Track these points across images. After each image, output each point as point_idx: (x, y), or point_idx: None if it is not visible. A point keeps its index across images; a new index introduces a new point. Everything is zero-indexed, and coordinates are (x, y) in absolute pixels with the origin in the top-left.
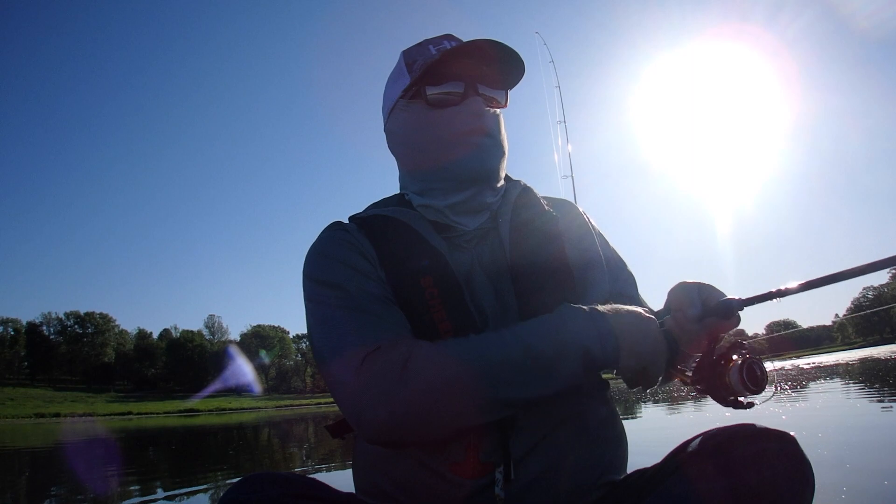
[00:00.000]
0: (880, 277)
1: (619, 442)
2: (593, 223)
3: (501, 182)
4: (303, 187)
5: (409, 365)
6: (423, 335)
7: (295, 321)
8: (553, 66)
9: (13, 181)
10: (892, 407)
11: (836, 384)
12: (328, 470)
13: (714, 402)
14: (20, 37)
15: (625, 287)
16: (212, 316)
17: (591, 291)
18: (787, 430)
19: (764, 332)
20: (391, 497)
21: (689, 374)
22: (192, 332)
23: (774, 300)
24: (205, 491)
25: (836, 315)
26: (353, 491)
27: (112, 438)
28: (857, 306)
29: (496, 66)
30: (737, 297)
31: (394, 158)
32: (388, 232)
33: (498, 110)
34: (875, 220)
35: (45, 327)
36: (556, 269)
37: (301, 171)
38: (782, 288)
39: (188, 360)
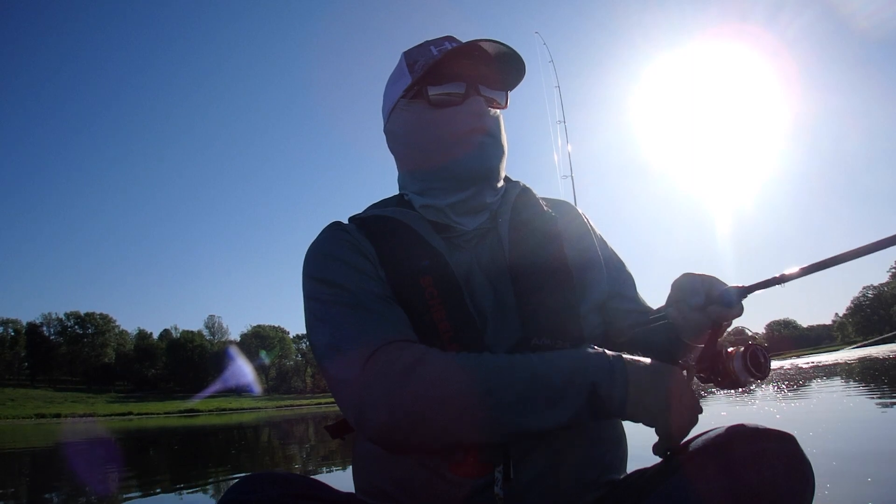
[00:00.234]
0: (880, 277)
1: (618, 442)
2: (592, 224)
3: (501, 183)
4: (303, 187)
5: (415, 369)
6: (422, 335)
7: (295, 321)
8: (553, 66)
9: (13, 181)
10: (890, 406)
11: (835, 384)
12: (328, 470)
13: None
14: (20, 37)
15: (624, 288)
16: (212, 316)
17: (589, 292)
18: (786, 430)
19: (764, 331)
20: (391, 497)
21: (693, 364)
22: (192, 332)
23: (778, 286)
24: (205, 491)
25: (836, 314)
26: (353, 491)
27: (113, 439)
28: (857, 306)
29: (497, 67)
30: (739, 285)
31: (393, 159)
32: (388, 232)
33: (498, 111)
34: (875, 220)
35: (45, 328)
36: (555, 269)
37: (301, 172)
38: (785, 273)
39: (188, 360)
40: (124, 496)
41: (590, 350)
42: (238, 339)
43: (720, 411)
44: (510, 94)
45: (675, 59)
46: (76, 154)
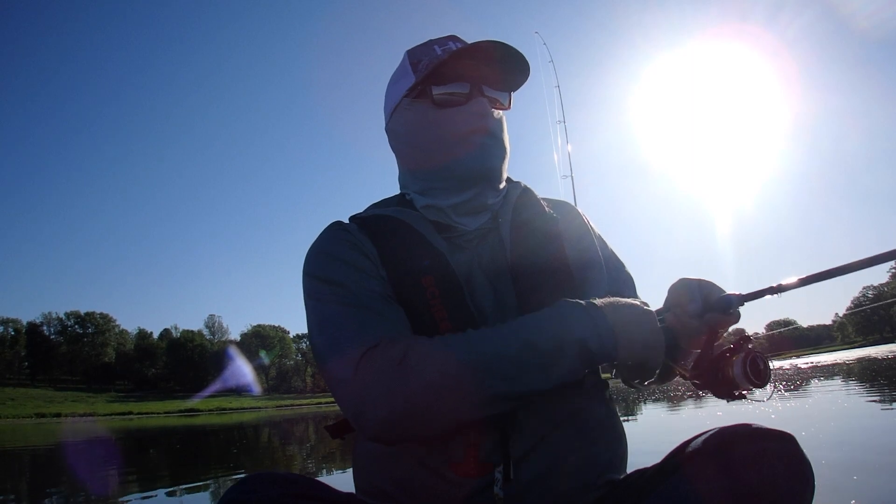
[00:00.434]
0: (880, 276)
1: (618, 441)
2: (592, 224)
3: (503, 183)
4: (303, 187)
5: (406, 361)
6: (423, 334)
7: (295, 321)
8: (553, 65)
9: (13, 181)
10: (890, 406)
11: (835, 384)
12: (328, 470)
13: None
14: (20, 37)
15: (623, 288)
16: (212, 316)
17: (590, 291)
18: (786, 430)
19: (764, 330)
20: (391, 497)
21: (689, 369)
22: (192, 332)
23: (774, 295)
24: (205, 490)
25: (836, 314)
26: (354, 491)
27: (113, 438)
28: (857, 305)
29: (501, 69)
30: (737, 293)
31: (393, 158)
32: (389, 232)
33: (501, 112)
34: (875, 220)
35: (45, 327)
36: (555, 269)
37: (301, 172)
38: (782, 283)
39: (188, 360)
40: (124, 496)
41: (568, 306)
42: (238, 338)
43: (721, 411)
44: (512, 95)
45: (675, 59)
46: (76, 154)
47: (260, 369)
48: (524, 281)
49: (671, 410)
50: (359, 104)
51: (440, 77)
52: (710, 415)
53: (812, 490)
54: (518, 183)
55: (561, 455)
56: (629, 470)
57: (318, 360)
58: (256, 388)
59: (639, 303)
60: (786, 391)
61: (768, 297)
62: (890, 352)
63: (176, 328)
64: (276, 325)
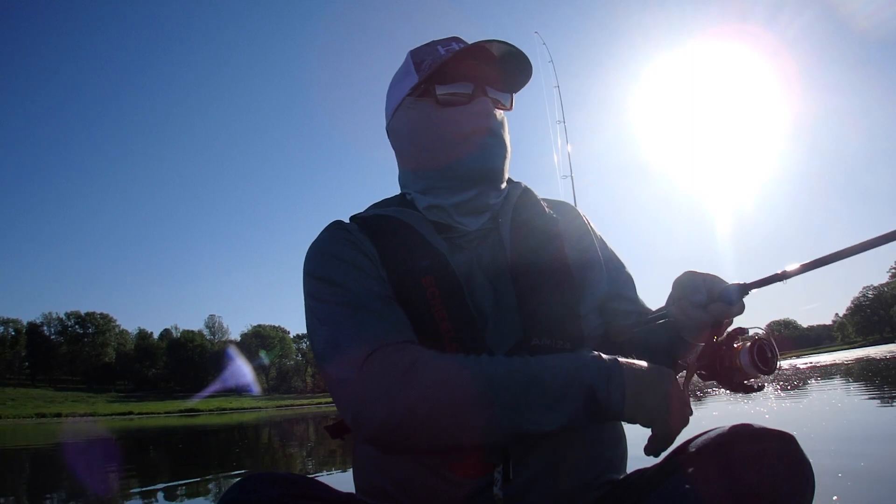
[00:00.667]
0: (880, 277)
1: (618, 441)
2: (592, 225)
3: (504, 184)
4: (303, 187)
5: (414, 369)
6: (423, 335)
7: (295, 321)
8: (552, 65)
9: (13, 181)
10: (888, 405)
11: (834, 384)
12: (328, 470)
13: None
14: (20, 37)
15: (623, 288)
16: (212, 316)
17: (589, 292)
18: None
19: (764, 330)
20: (391, 497)
21: (695, 360)
22: (192, 332)
23: (779, 282)
24: (205, 490)
25: (836, 314)
26: (354, 491)
27: (113, 438)
28: (858, 306)
29: (504, 69)
30: (740, 283)
31: (394, 159)
32: (390, 232)
33: (503, 113)
34: (875, 220)
35: (45, 327)
36: (555, 270)
37: (301, 172)
38: (787, 269)
39: (189, 360)
40: (125, 496)
41: (587, 353)
42: (238, 338)
43: (721, 411)
44: (513, 96)
45: (675, 59)
46: (76, 154)
47: (260, 369)
48: (524, 281)
49: None
50: (359, 104)
51: (444, 77)
52: (710, 415)
53: (812, 490)
54: (518, 183)
55: (560, 455)
56: (629, 470)
57: (318, 360)
58: (256, 389)
59: (660, 368)
60: (785, 392)
61: (772, 290)
62: (889, 352)
63: (176, 328)
64: (277, 325)
